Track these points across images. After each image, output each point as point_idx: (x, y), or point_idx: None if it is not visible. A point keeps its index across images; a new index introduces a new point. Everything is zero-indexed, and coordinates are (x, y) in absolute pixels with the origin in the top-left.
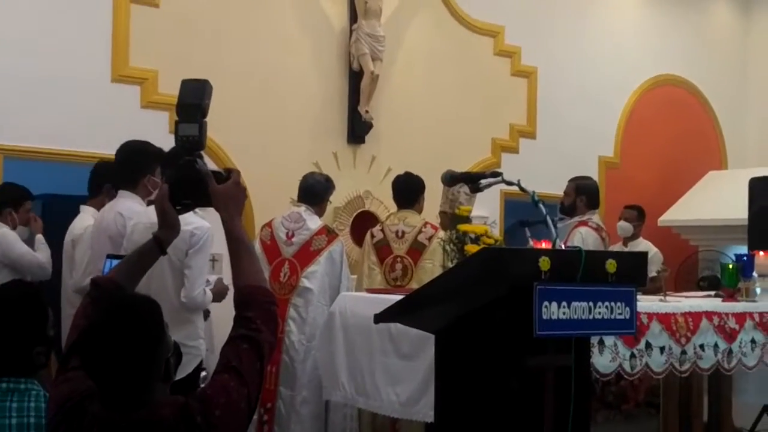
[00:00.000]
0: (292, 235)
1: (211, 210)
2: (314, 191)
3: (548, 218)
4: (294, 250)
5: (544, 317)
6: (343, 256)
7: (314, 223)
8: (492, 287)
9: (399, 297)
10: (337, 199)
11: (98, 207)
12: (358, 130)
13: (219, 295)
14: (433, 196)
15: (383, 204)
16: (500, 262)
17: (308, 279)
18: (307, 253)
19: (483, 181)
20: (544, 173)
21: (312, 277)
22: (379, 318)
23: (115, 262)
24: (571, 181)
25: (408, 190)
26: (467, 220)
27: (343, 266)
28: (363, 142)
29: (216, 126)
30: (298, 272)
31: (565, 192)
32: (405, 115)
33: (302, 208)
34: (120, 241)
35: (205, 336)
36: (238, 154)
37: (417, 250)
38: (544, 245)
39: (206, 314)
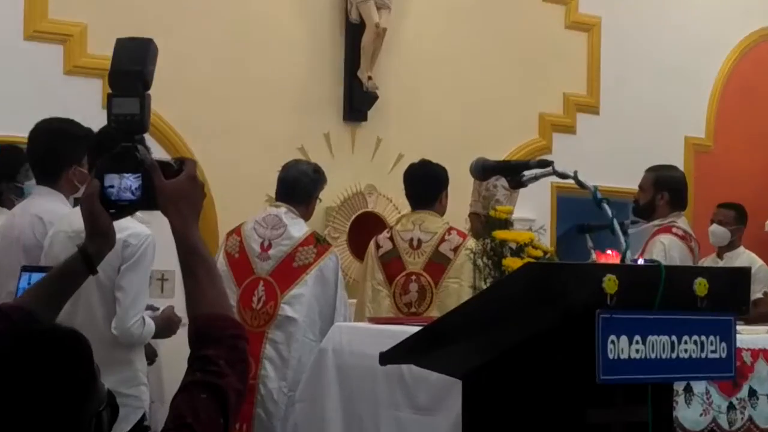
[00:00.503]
0: (269, 246)
1: (158, 213)
2: (298, 186)
3: (616, 222)
4: (271, 266)
5: (611, 356)
6: (339, 273)
7: (298, 229)
8: (539, 316)
9: (414, 329)
10: (329, 197)
11: (9, 207)
12: (357, 103)
13: (167, 327)
14: (460, 192)
15: (392, 203)
16: (550, 282)
17: (291, 305)
18: (288, 271)
19: (527, 173)
20: (610, 161)
21: (296, 302)
22: (388, 358)
23: (37, 276)
24: (649, 171)
25: (426, 185)
26: (506, 224)
27: (338, 288)
28: (365, 119)
29: (164, 101)
30: (276, 296)
31: (640, 186)
32: (421, 83)
33: (282, 210)
34: (39, 253)
35: (150, 382)
36: (196, 138)
37: (438, 265)
38: (610, 259)
39: (152, 355)
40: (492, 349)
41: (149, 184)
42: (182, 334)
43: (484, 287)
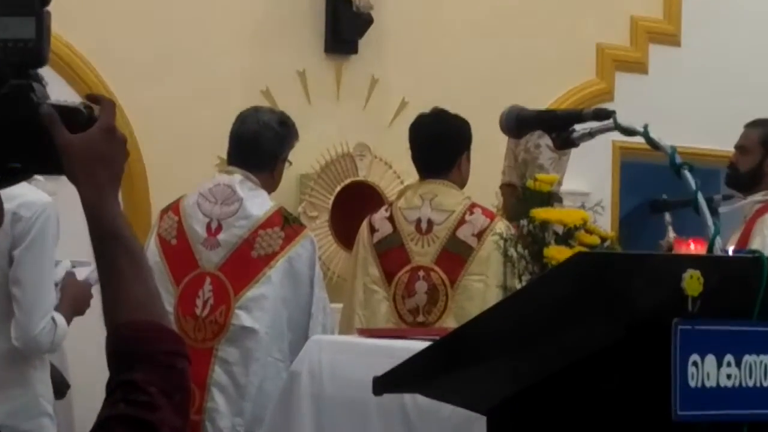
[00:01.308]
0: (218, 229)
1: (64, 180)
2: (260, 144)
3: (701, 197)
4: (221, 256)
5: (692, 384)
6: (316, 266)
7: (260, 204)
8: (594, 328)
9: (421, 345)
10: (304, 160)
11: None
12: (344, 29)
13: (76, 304)
14: (487, 155)
15: (392, 169)
16: (609, 281)
17: (249, 311)
18: (245, 263)
19: (579, 128)
20: (696, 113)
21: (256, 307)
22: (384, 385)
23: None
24: (753, 127)
25: (441, 145)
26: (550, 199)
27: (315, 286)
28: (354, 51)
29: (72, 22)
30: (229, 299)
31: (739, 147)
32: (432, 1)
33: (237, 178)
34: None
35: (57, 421)
36: (117, 74)
37: (456, 256)
38: (693, 247)
39: (62, 386)
40: (528, 375)
41: (49, 139)
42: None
43: (519, 287)
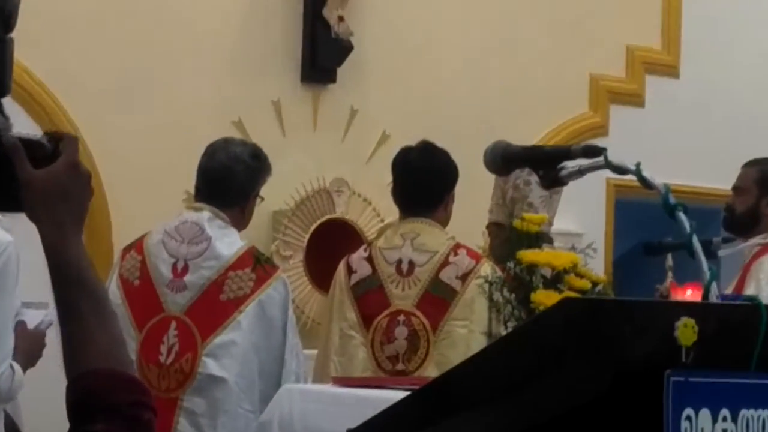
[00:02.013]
0: (185, 270)
1: (23, 218)
2: (230, 179)
3: (696, 240)
4: (188, 299)
5: None
6: (289, 311)
7: (229, 244)
8: (582, 378)
9: (400, 395)
10: (277, 196)
11: None
12: (323, 56)
13: (28, 357)
14: (471, 192)
15: (372, 206)
16: (599, 327)
17: (217, 359)
18: (214, 307)
19: (568, 165)
20: (692, 150)
21: (225, 354)
22: None
23: None
24: (750, 166)
25: (427, 181)
26: (539, 240)
27: (288, 332)
28: (333, 80)
29: (34, 48)
30: (196, 345)
31: (735, 187)
32: (416, 28)
33: (205, 215)
34: None
35: None
36: (81, 104)
37: (439, 300)
38: (689, 294)
39: None
40: (512, 427)
41: (9, 173)
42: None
43: (504, 334)
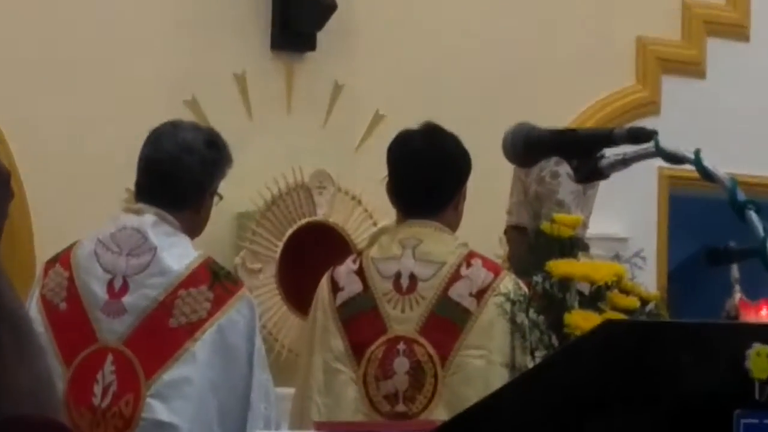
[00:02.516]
0: (124, 288)
1: None
2: (178, 172)
3: None
4: (129, 325)
5: None
6: (256, 339)
7: (180, 254)
8: (630, 418)
9: None
10: (242, 194)
11: None
12: (299, 18)
13: None
14: (486, 189)
15: (362, 205)
16: (651, 358)
17: (165, 401)
18: (162, 335)
19: (609, 153)
20: (765, 132)
21: (176, 395)
22: None
23: None
24: None
25: (433, 174)
26: (573, 247)
27: (254, 366)
28: (312, 47)
29: None
30: (138, 383)
31: None
32: None
33: (148, 218)
34: None
35: None
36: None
37: (449, 323)
38: (764, 311)
39: None
40: None
41: None
42: None
43: (531, 366)
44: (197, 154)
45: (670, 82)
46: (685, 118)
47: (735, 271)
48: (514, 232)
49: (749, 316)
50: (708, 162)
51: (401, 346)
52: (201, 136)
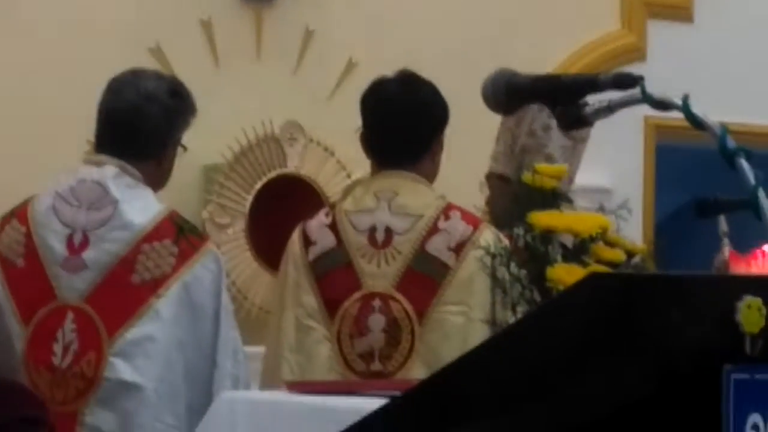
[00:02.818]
0: (84, 243)
1: None
2: (140, 122)
3: (762, 195)
4: (90, 281)
5: None
6: (222, 295)
7: (142, 207)
8: (616, 375)
9: (377, 403)
10: (209, 145)
11: None
12: None
13: None
14: (465, 140)
15: (335, 157)
16: (638, 313)
17: (129, 360)
18: (124, 291)
19: (593, 100)
20: (761, 76)
21: (139, 354)
22: None
23: None
24: None
25: (410, 123)
26: (556, 198)
27: (221, 323)
28: None
29: None
30: (100, 342)
31: None
32: None
33: (109, 170)
34: None
35: None
36: None
37: (426, 278)
38: (755, 264)
39: None
40: None
41: None
42: None
43: (512, 322)
44: (159, 103)
45: (657, 27)
46: (672, 64)
47: (723, 223)
48: (497, 181)
49: (740, 269)
50: (697, 109)
51: (376, 303)
52: (163, 85)
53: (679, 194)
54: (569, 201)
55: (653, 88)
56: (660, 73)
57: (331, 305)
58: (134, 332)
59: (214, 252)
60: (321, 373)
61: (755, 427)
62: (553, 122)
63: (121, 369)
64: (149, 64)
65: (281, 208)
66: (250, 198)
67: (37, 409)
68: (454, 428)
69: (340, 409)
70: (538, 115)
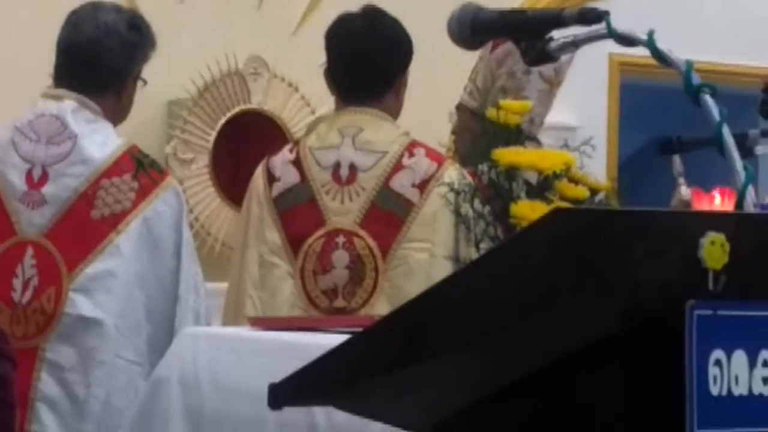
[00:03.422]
0: (43, 177)
1: None
2: (98, 56)
3: (727, 132)
4: (49, 216)
5: (714, 391)
6: (183, 230)
7: (102, 142)
8: (580, 312)
9: (339, 339)
10: (172, 80)
11: None
12: None
13: None
14: (429, 77)
15: (298, 92)
16: (601, 248)
17: (89, 294)
18: (84, 226)
19: (558, 35)
20: (728, 15)
21: (100, 289)
22: (286, 394)
23: None
24: None
25: (373, 58)
26: (520, 135)
27: (182, 258)
28: None
29: None
30: (60, 277)
31: None
32: None
33: (68, 104)
34: None
35: None
36: None
37: (390, 214)
38: (717, 200)
39: None
40: (488, 380)
41: None
42: None
43: (475, 258)
44: (118, 36)
45: None
46: (636, 1)
47: (678, 164)
48: (469, 115)
49: (703, 205)
50: (662, 44)
51: (340, 239)
52: (122, 19)
53: (642, 133)
54: (538, 143)
55: (618, 23)
56: (624, 9)
57: (294, 242)
58: (94, 267)
59: (175, 186)
60: (284, 309)
61: (718, 362)
62: (535, 66)
63: (81, 304)
64: None
65: (245, 143)
66: (213, 133)
67: (1, 341)
68: (417, 363)
69: (303, 345)
70: (520, 59)
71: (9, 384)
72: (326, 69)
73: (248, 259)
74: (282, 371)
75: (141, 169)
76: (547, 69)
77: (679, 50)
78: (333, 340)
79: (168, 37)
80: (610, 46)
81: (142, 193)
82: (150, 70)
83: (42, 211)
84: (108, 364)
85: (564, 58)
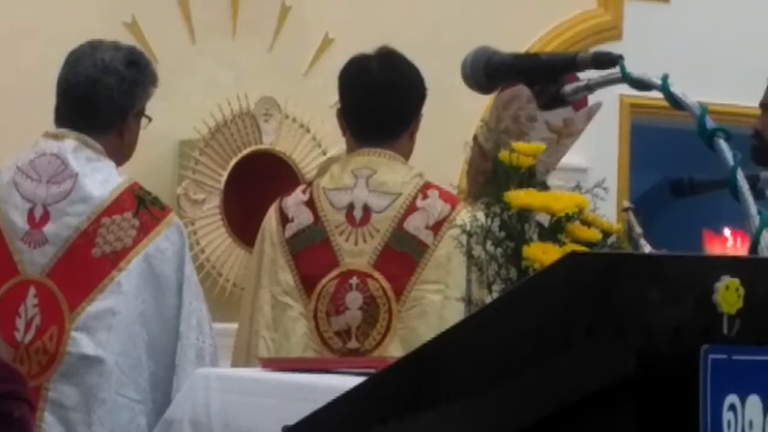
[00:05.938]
0: (45, 217)
1: None
2: (97, 94)
3: (740, 176)
4: (51, 256)
5: None
6: (186, 267)
7: (102, 180)
8: (593, 356)
9: (352, 381)
10: (184, 121)
11: None
12: None
13: None
14: (441, 119)
15: (310, 133)
16: (615, 293)
17: (90, 333)
18: (85, 265)
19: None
20: (741, 58)
21: (101, 327)
22: None
23: None
24: None
25: (389, 100)
26: (533, 178)
27: (183, 295)
28: None
29: None
30: (62, 316)
31: (763, 104)
32: None
33: (69, 144)
34: None
35: None
36: None
37: (404, 257)
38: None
39: None
40: (502, 425)
41: None
42: None
43: (488, 301)
44: (116, 74)
45: (634, 6)
46: (648, 44)
47: (636, 225)
48: (478, 149)
49: (716, 249)
50: (675, 88)
51: (354, 280)
52: (120, 56)
53: (654, 174)
54: (544, 187)
55: (629, 67)
56: (636, 53)
57: (308, 282)
58: (96, 306)
59: (177, 223)
60: (298, 350)
61: (732, 407)
62: (541, 115)
63: (83, 343)
64: (125, 38)
65: (256, 184)
66: (225, 174)
67: (16, 383)
68: (431, 407)
69: (315, 387)
70: (527, 105)
71: (27, 427)
72: (339, 110)
73: (261, 300)
74: (294, 414)
75: (142, 207)
76: (555, 119)
77: (689, 91)
78: (345, 382)
79: (180, 77)
80: (621, 87)
81: (143, 231)
82: (161, 110)
83: (44, 250)
84: (109, 402)
85: (581, 111)
